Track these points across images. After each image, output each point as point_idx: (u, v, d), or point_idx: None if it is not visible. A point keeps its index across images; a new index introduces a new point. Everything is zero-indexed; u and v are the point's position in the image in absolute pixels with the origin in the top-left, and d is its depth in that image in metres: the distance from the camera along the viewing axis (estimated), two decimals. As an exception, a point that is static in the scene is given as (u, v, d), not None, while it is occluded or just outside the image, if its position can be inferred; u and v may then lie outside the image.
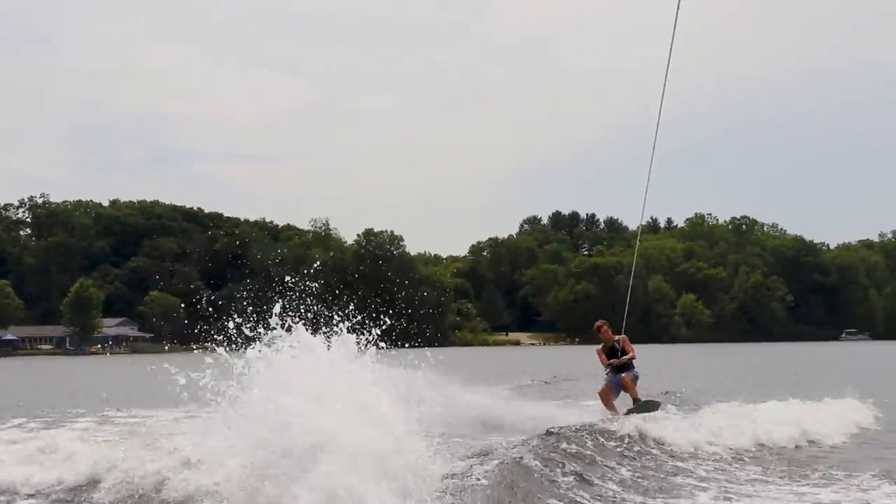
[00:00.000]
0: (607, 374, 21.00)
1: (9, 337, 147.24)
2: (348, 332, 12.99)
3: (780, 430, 19.19)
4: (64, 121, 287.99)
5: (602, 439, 16.35)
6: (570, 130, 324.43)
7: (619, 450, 16.10)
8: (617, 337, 20.93)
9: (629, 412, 19.82)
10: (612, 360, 20.72)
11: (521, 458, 13.44)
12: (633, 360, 20.89)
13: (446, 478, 11.29)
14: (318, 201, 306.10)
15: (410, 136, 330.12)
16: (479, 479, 11.66)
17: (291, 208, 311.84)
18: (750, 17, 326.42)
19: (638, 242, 73.65)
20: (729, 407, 21.15)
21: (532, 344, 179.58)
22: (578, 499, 12.16)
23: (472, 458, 13.87)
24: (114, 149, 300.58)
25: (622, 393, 20.87)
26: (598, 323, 21.21)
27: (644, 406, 20.17)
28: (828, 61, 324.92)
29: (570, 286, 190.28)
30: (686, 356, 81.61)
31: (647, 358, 28.16)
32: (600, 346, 21.15)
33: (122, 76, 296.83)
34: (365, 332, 13.01)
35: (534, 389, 34.57)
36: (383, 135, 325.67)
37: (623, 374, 20.62)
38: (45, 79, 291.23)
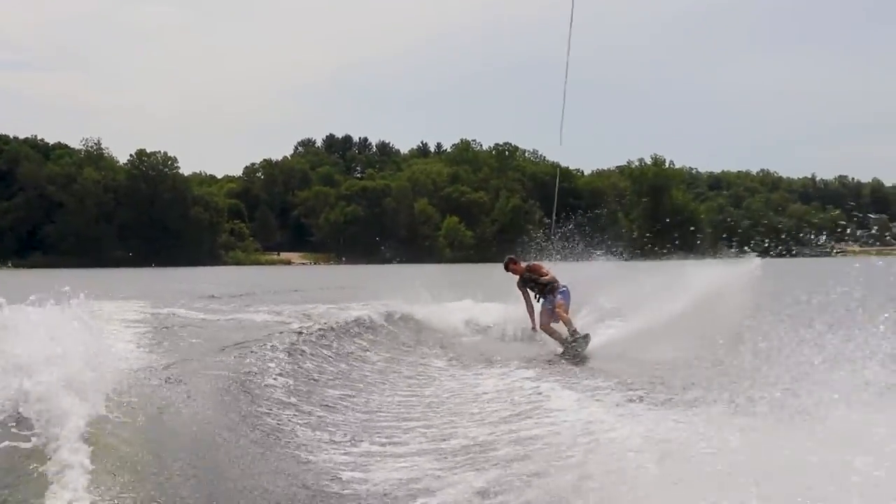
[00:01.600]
0: (540, 301, 20.57)
1: None
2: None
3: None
4: None
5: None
6: (347, 50, 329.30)
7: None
8: (525, 264, 21.01)
9: (567, 346, 19.23)
10: (539, 283, 20.41)
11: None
12: (558, 283, 20.42)
13: None
14: (92, 116, 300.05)
15: (190, 49, 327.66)
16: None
17: (63, 124, 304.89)
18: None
19: (558, 184, 79.41)
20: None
21: (303, 263, 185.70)
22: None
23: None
24: None
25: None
26: (506, 260, 21.39)
27: (578, 343, 19.19)
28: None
29: (340, 208, 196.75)
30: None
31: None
32: (518, 280, 20.89)
33: None
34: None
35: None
36: (162, 47, 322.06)
37: (557, 301, 20.00)
38: None
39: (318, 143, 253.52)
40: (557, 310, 19.78)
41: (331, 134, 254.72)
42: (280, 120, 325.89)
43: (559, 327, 19.94)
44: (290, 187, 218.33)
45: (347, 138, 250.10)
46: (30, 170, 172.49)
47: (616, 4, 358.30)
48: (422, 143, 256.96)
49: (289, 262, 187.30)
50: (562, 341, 19.51)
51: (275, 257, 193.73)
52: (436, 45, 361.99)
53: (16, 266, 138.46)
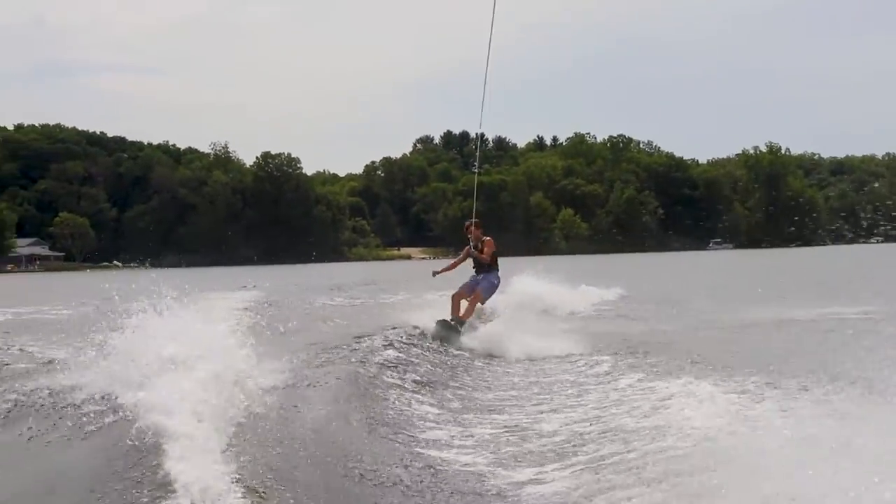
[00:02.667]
0: (471, 276, 20.14)
1: None
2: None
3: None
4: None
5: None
6: (458, 46, 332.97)
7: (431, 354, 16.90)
8: (485, 238, 19.96)
9: (446, 332, 18.93)
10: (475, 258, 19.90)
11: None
12: (493, 269, 19.88)
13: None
14: (212, 116, 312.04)
15: (305, 49, 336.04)
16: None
17: (185, 124, 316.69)
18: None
19: (478, 169, 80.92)
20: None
21: (423, 258, 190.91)
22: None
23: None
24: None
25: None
26: (467, 223, 20.43)
27: (451, 327, 19.08)
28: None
29: (457, 203, 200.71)
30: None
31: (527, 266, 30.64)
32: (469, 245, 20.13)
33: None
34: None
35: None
36: (273, 46, 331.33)
37: (478, 289, 19.65)
38: None
39: (436, 139, 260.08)
40: (473, 296, 19.53)
41: (448, 130, 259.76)
42: (398, 117, 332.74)
43: (463, 306, 19.64)
44: (409, 184, 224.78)
45: (464, 134, 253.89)
46: (163, 174, 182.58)
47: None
48: (538, 136, 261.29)
49: (409, 257, 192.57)
50: (453, 320, 19.31)
51: (395, 252, 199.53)
52: (547, 34, 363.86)
53: (153, 266, 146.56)
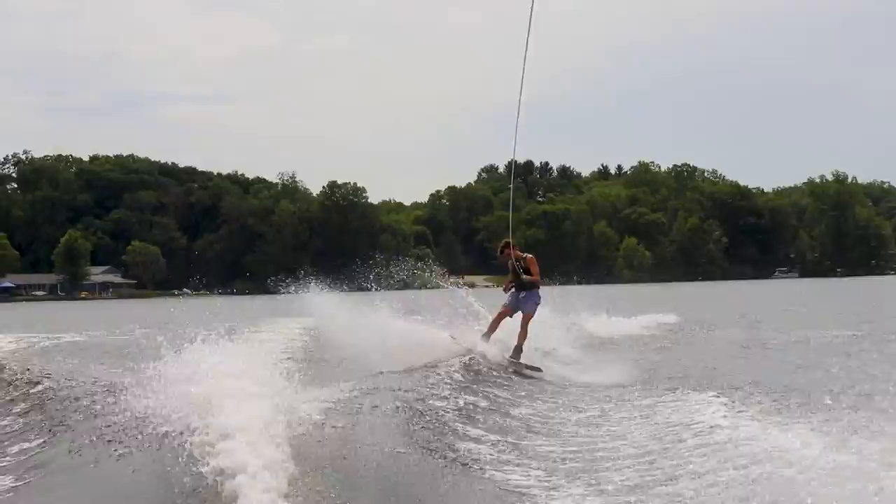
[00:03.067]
0: (510, 295, 20.06)
1: (6, 284, 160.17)
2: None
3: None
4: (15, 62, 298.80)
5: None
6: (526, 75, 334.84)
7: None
8: (525, 255, 20.02)
9: (511, 360, 19.20)
10: (514, 281, 19.85)
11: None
12: (538, 287, 20.05)
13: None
14: (280, 146, 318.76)
15: (367, 77, 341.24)
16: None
17: (254, 152, 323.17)
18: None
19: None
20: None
21: (486, 286, 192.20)
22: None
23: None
24: (71, 91, 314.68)
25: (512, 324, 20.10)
26: (500, 244, 20.37)
27: (525, 366, 19.16)
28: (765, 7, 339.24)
29: (521, 232, 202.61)
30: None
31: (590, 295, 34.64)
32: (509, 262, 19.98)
33: (72, 16, 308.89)
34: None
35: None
36: (340, 76, 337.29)
37: (524, 311, 19.69)
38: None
39: (501, 168, 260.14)
40: (523, 318, 19.65)
41: (513, 160, 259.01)
42: (464, 146, 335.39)
43: (510, 332, 19.84)
44: (473, 212, 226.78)
45: (529, 163, 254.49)
46: (232, 203, 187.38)
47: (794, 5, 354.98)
48: (602, 165, 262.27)
49: (472, 285, 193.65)
50: (490, 336, 19.86)
51: (459, 280, 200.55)
52: (613, 62, 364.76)
53: (221, 293, 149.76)
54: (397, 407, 12.17)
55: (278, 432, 8.55)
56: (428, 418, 12.10)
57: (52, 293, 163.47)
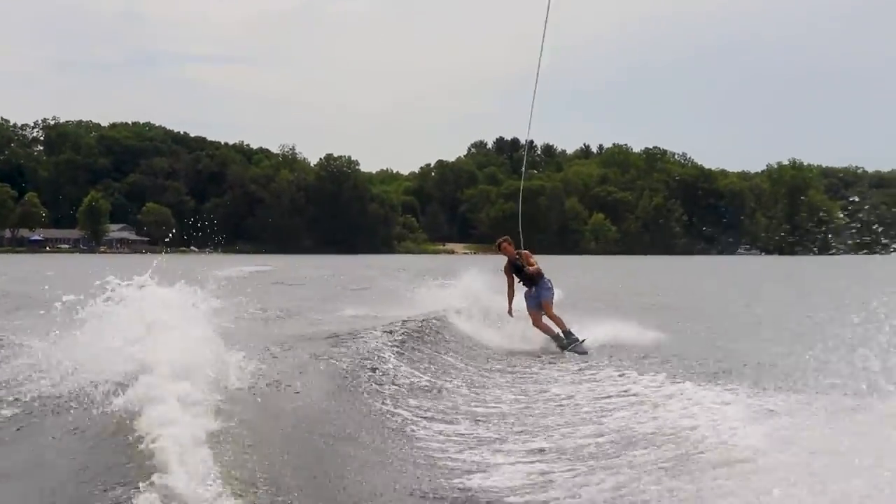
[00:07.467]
0: (524, 299, 19.95)
1: (36, 238, 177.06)
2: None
3: None
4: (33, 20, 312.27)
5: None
6: (520, 54, 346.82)
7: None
8: (518, 251, 19.85)
9: (571, 347, 18.72)
10: (524, 273, 19.71)
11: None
12: (542, 274, 19.80)
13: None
14: (286, 110, 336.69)
15: (382, 46, 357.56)
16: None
17: (261, 118, 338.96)
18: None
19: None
20: None
21: (465, 253, 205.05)
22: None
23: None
24: (91, 50, 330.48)
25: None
26: (499, 240, 19.99)
27: (577, 345, 18.72)
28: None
29: (499, 205, 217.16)
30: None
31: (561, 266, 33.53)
32: (506, 264, 19.87)
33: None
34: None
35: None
36: (355, 43, 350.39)
37: (543, 300, 19.52)
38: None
39: (490, 144, 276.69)
40: (545, 309, 19.43)
41: (500, 136, 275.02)
42: (458, 121, 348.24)
43: (549, 323, 19.46)
44: (459, 185, 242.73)
45: (515, 141, 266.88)
46: (236, 171, 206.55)
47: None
48: (584, 145, 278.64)
49: (452, 252, 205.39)
50: (555, 338, 19.25)
51: (440, 247, 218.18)
52: (604, 45, 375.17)
53: (224, 252, 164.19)
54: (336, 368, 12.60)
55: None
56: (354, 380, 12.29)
57: (76, 247, 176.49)
